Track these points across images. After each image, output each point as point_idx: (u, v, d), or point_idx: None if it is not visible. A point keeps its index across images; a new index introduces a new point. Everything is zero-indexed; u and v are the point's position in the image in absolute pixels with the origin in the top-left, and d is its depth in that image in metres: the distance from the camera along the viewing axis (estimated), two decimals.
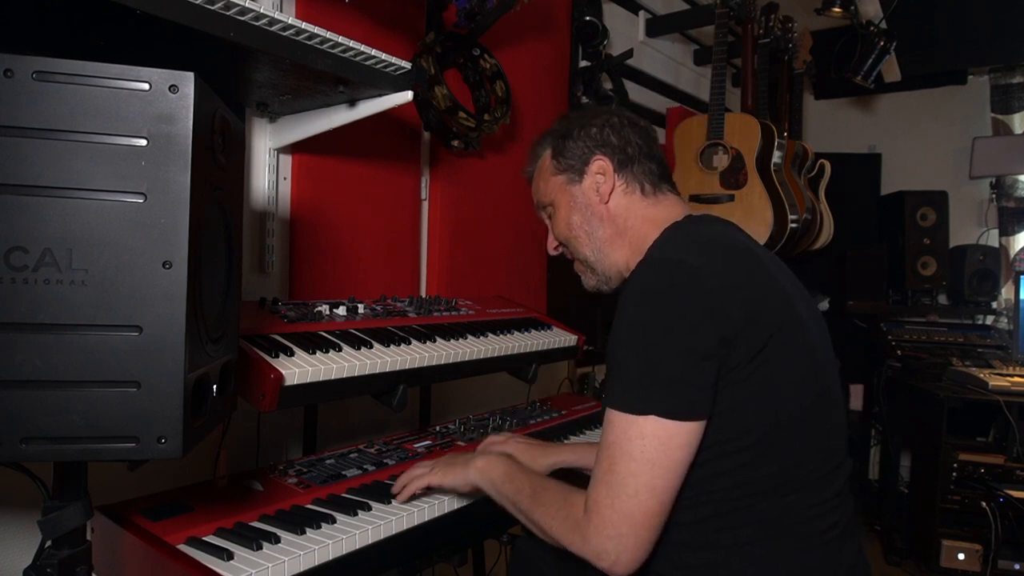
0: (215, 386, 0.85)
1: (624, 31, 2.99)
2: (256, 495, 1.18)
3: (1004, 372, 2.94)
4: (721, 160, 2.64)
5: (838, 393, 1.06)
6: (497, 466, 1.14)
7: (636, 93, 3.03)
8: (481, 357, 1.55)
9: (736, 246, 1.06)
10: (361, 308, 1.51)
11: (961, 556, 2.74)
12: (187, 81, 0.74)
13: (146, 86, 0.73)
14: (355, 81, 1.31)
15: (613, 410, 0.94)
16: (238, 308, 0.96)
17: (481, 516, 1.27)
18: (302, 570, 0.97)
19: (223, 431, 1.41)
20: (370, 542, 1.08)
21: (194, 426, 0.78)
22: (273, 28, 1.11)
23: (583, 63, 2.67)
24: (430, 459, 1.40)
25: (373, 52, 1.27)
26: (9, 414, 0.69)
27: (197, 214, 0.75)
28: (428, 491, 1.22)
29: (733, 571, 0.96)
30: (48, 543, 0.84)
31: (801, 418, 0.98)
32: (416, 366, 1.38)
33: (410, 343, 1.42)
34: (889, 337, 3.33)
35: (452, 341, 1.52)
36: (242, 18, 1.06)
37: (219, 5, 1.02)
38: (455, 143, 2.04)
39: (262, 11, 1.07)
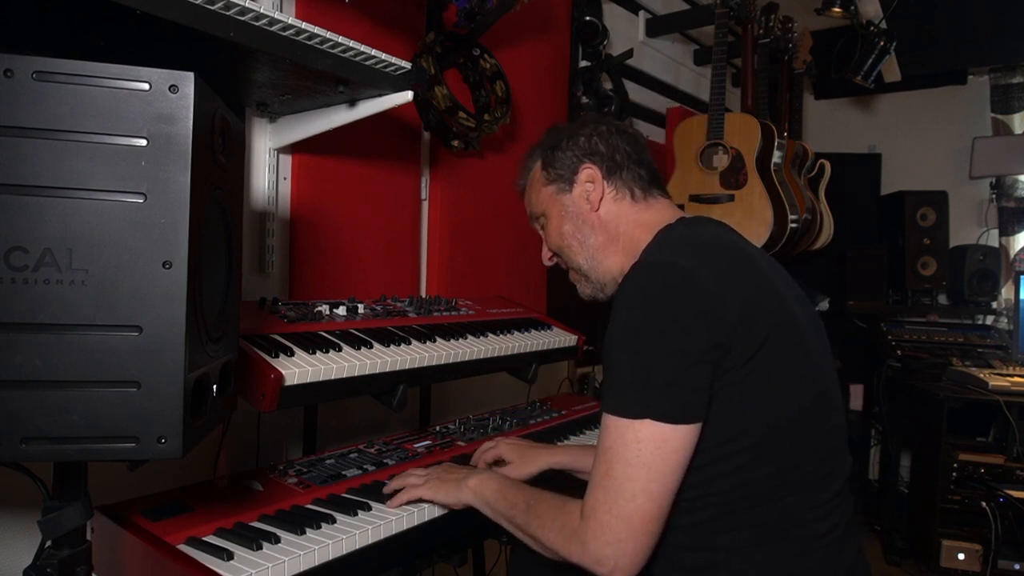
0: (215, 386, 0.85)
1: (624, 31, 2.99)
2: (256, 495, 1.18)
3: (1004, 372, 2.94)
4: (721, 160, 2.64)
5: (837, 395, 1.06)
6: (490, 484, 1.14)
7: (636, 93, 3.03)
8: (481, 357, 1.55)
9: (729, 247, 1.05)
10: (361, 308, 1.51)
11: (961, 556, 2.74)
12: (187, 81, 0.74)
13: (146, 86, 0.72)
14: (355, 81, 1.31)
15: (609, 415, 0.94)
16: (238, 308, 0.96)
17: (481, 516, 1.27)
18: (302, 570, 0.97)
19: (223, 431, 1.41)
20: (370, 542, 1.08)
21: (194, 426, 0.78)
22: (273, 28, 1.11)
23: (583, 63, 2.67)
24: (430, 459, 1.40)
25: (373, 52, 1.27)
26: (9, 414, 0.69)
27: (197, 214, 0.75)
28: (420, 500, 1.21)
29: (733, 573, 0.96)
30: (48, 543, 0.84)
31: (799, 419, 0.97)
32: (416, 366, 1.38)
33: (410, 343, 1.42)
34: (889, 337, 3.33)
35: (452, 341, 1.52)
36: (242, 18, 1.06)
37: (219, 5, 1.02)
38: (455, 143, 2.04)
39: (262, 11, 1.07)
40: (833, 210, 3.11)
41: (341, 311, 1.45)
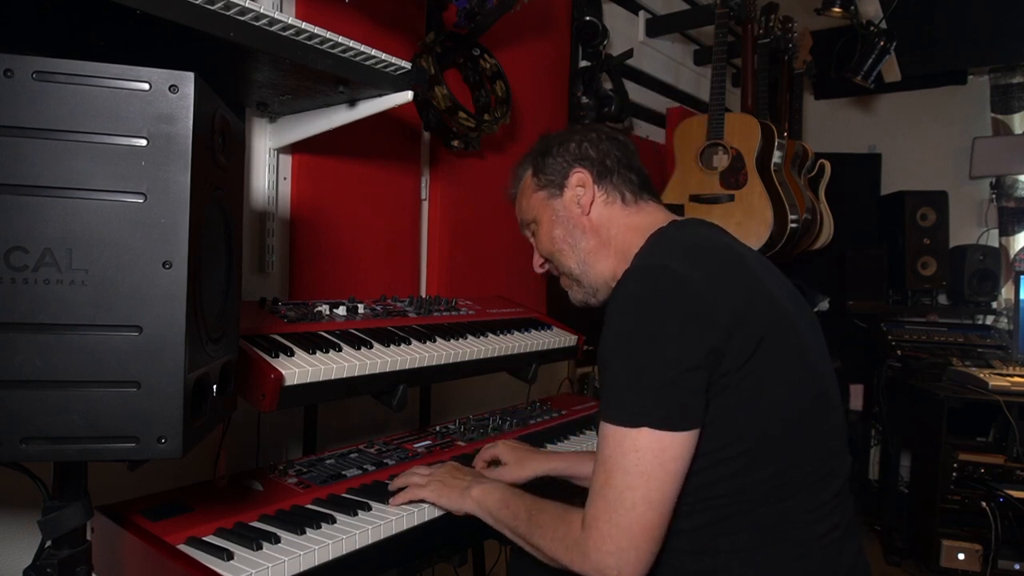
0: (215, 386, 0.85)
1: (624, 31, 2.99)
2: (256, 495, 1.18)
3: (1004, 372, 2.94)
4: (721, 160, 2.64)
5: (836, 395, 1.06)
6: (493, 493, 1.13)
7: (636, 93, 3.03)
8: (481, 357, 1.55)
9: (722, 249, 1.05)
10: (361, 308, 1.51)
11: (961, 556, 2.74)
12: (187, 81, 0.74)
13: (146, 86, 0.72)
14: (355, 81, 1.31)
15: (607, 423, 0.94)
16: (238, 308, 0.96)
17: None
18: (302, 570, 0.97)
19: (223, 431, 1.41)
20: (370, 542, 1.08)
21: (194, 426, 0.78)
22: (273, 28, 1.11)
23: (583, 63, 2.67)
24: (430, 459, 1.40)
25: (373, 52, 1.27)
26: (9, 414, 0.69)
27: (197, 214, 0.75)
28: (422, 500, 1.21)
29: None
30: (48, 543, 0.84)
31: (798, 420, 0.97)
32: (416, 366, 1.38)
33: (410, 343, 1.42)
34: (889, 337, 3.34)
35: (452, 341, 1.52)
36: (242, 18, 1.06)
37: (219, 5, 1.02)
38: (455, 143, 2.04)
39: (262, 11, 1.07)
40: (833, 210, 3.11)
41: (341, 311, 1.45)
